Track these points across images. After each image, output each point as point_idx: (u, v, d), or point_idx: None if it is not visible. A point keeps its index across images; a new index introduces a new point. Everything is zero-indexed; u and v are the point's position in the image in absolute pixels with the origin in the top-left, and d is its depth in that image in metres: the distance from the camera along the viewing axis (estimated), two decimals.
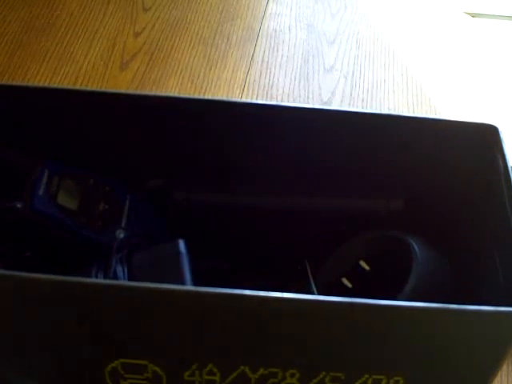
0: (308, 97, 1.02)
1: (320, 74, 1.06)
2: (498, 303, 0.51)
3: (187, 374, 0.57)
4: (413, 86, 1.05)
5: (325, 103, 1.01)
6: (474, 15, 1.20)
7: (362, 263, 0.69)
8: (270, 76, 1.04)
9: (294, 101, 1.01)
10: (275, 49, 1.09)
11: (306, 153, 0.68)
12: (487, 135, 0.63)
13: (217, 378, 0.57)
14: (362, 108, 1.01)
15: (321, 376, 0.56)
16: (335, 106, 1.00)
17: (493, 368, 0.56)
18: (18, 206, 0.63)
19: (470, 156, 0.65)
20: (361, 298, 0.51)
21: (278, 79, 1.04)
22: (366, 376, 0.56)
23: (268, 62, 1.07)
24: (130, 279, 0.61)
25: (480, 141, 0.64)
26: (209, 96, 0.99)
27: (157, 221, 0.71)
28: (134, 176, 0.70)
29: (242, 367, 0.56)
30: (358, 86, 1.04)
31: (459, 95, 1.05)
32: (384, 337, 0.54)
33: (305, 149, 0.68)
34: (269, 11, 1.17)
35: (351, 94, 1.02)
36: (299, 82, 1.04)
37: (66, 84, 0.99)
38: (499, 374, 0.71)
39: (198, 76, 1.03)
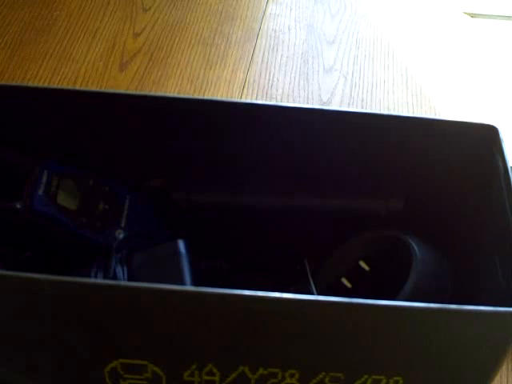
0: (308, 97, 1.02)
1: (320, 74, 1.06)
2: (498, 303, 0.51)
3: (187, 374, 0.57)
4: (413, 86, 1.05)
5: (324, 103, 1.01)
6: (473, 15, 1.20)
7: (362, 263, 0.69)
8: (269, 76, 1.04)
9: (293, 101, 1.01)
10: (275, 49, 1.09)
11: (306, 153, 0.68)
12: (487, 135, 0.63)
13: (216, 378, 0.57)
14: (362, 108, 1.01)
15: (320, 376, 0.56)
16: (335, 106, 1.00)
17: (493, 368, 0.56)
18: (18, 206, 0.63)
19: (469, 156, 0.65)
20: (360, 298, 0.51)
21: (277, 79, 1.04)
22: (366, 376, 0.56)
23: (268, 62, 1.07)
24: (129, 279, 0.61)
25: (480, 141, 0.64)
26: (208, 96, 0.99)
27: (157, 221, 0.71)
28: (134, 176, 0.70)
29: (242, 367, 0.56)
30: (357, 86, 1.04)
31: (459, 95, 1.05)
32: (384, 337, 0.54)
33: (304, 149, 0.68)
34: (268, 11, 1.17)
35: (351, 94, 1.02)
36: (299, 82, 1.04)
37: (66, 84, 0.99)
38: (499, 374, 0.71)
39: (198, 76, 1.03)
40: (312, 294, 0.67)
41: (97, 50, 1.05)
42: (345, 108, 0.98)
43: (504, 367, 0.73)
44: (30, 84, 0.97)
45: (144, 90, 0.99)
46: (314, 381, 0.57)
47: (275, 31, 1.13)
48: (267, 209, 0.72)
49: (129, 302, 0.52)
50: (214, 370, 0.57)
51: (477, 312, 0.51)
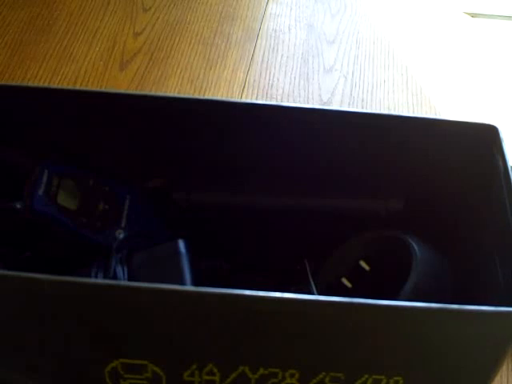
0: (308, 97, 1.02)
1: (320, 74, 1.06)
2: (498, 303, 0.51)
3: (187, 374, 0.57)
4: (413, 86, 1.05)
5: (325, 103, 1.01)
6: (473, 15, 1.20)
7: (362, 263, 0.69)
8: (269, 76, 1.04)
9: (293, 101, 1.01)
10: (275, 49, 1.09)
11: (306, 153, 0.68)
12: (487, 135, 0.63)
13: (216, 378, 0.57)
14: (362, 108, 1.01)
15: (321, 376, 0.56)
16: (335, 106, 1.00)
17: (493, 368, 0.56)
18: (18, 206, 0.63)
19: (469, 156, 0.65)
20: (361, 298, 0.51)
21: (277, 79, 1.04)
22: (366, 376, 0.56)
23: (268, 62, 1.07)
24: (129, 279, 0.61)
25: (480, 141, 0.64)
26: (208, 96, 0.99)
27: (157, 221, 0.71)
28: (134, 176, 0.70)
29: (242, 367, 0.56)
30: (357, 86, 1.04)
31: (459, 95, 1.05)
32: (384, 337, 0.54)
33: (304, 149, 0.68)
34: (269, 11, 1.17)
35: (351, 94, 1.02)
36: (299, 82, 1.04)
37: (66, 84, 0.99)
38: (499, 374, 0.71)
39: (198, 76, 1.03)
40: (312, 293, 0.67)
41: (97, 49, 1.05)
42: (345, 108, 0.98)
43: (504, 367, 0.73)
44: (30, 84, 0.97)
45: (144, 90, 0.99)
46: (314, 381, 0.57)
47: (275, 31, 1.13)
48: (267, 209, 0.72)
49: (129, 301, 0.52)
50: (214, 370, 0.57)
51: (477, 312, 0.51)
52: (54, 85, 0.98)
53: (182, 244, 0.62)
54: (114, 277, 0.61)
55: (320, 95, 1.02)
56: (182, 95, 0.97)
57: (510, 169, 0.60)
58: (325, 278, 0.70)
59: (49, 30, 1.08)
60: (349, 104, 1.01)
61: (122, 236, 0.66)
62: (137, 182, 0.70)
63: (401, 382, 0.57)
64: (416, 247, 0.63)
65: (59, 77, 1.00)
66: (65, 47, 1.05)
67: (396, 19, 1.18)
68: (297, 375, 0.57)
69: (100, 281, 0.59)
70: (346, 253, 0.70)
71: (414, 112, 1.00)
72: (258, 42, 1.10)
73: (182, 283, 0.60)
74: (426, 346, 0.54)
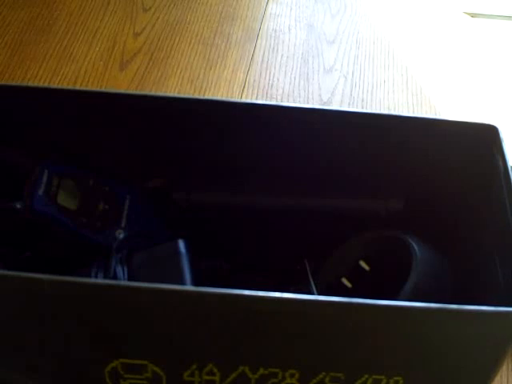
0: (308, 97, 1.02)
1: (320, 74, 1.06)
2: (498, 303, 0.51)
3: (187, 374, 0.57)
4: (413, 86, 1.05)
5: (325, 103, 1.01)
6: (473, 15, 1.20)
7: (362, 263, 0.69)
8: (269, 76, 1.04)
9: (293, 101, 1.01)
10: (275, 49, 1.09)
11: (306, 153, 0.68)
12: (487, 135, 0.63)
13: (216, 378, 0.57)
14: (362, 108, 1.01)
15: (320, 376, 0.56)
16: (335, 106, 1.00)
17: (493, 368, 0.56)
18: (18, 206, 0.63)
19: (469, 156, 0.65)
20: (361, 298, 0.51)
21: (277, 79, 1.04)
22: (366, 376, 0.56)
23: (268, 62, 1.07)
24: (129, 279, 0.61)
25: (480, 141, 0.64)
26: (208, 96, 0.99)
27: (157, 221, 0.71)
28: (134, 176, 0.70)
29: (242, 367, 0.56)
30: (357, 86, 1.04)
31: (459, 95, 1.05)
32: (384, 337, 0.54)
33: (304, 149, 0.68)
34: (269, 11, 1.17)
35: (351, 94, 1.02)
36: (299, 82, 1.04)
37: (66, 84, 0.99)
38: (499, 374, 0.71)
39: (198, 76, 1.03)
40: (312, 293, 0.67)
41: (97, 49, 1.05)
42: (345, 108, 0.98)
43: (504, 367, 0.73)
44: (30, 84, 0.97)
45: (144, 90, 0.99)
46: (314, 381, 0.57)
47: (275, 31, 1.13)
48: (267, 209, 0.72)
49: (129, 301, 0.52)
50: (214, 370, 0.57)
51: (477, 312, 0.51)
52: (54, 85, 0.98)
53: (182, 244, 0.62)
54: (114, 277, 0.61)
55: (320, 95, 1.02)
56: (181, 95, 0.97)
57: (510, 169, 0.60)
58: (325, 277, 0.70)
59: (49, 30, 1.08)
60: (349, 104, 1.01)
61: (121, 236, 0.66)
62: (137, 182, 0.70)
63: (401, 382, 0.57)
64: (416, 247, 0.63)
65: (59, 77, 1.00)
66: (65, 47, 1.05)
67: (396, 19, 1.18)
68: (297, 375, 0.57)
69: (100, 281, 0.59)
70: (346, 253, 0.70)
71: (414, 112, 1.00)
72: (258, 41, 1.10)
73: (182, 283, 0.60)
74: (426, 346, 0.54)
